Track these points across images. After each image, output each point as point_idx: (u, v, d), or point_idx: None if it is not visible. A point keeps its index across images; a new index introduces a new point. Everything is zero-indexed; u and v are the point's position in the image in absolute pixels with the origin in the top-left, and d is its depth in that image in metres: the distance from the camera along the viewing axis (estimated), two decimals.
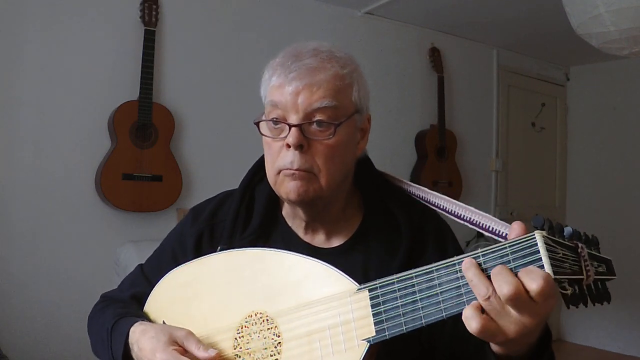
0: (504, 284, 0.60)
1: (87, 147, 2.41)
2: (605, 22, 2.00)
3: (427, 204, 0.94)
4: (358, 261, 0.79)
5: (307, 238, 0.95)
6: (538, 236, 0.62)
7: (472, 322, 0.62)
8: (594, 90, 4.35)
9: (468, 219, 0.85)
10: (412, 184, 0.98)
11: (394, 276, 0.71)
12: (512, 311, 0.61)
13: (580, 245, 0.65)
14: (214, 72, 2.76)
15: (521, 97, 4.21)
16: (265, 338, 0.78)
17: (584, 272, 0.63)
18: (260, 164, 0.98)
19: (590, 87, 4.38)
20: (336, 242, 0.94)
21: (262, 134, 0.89)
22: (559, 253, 0.62)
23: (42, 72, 2.34)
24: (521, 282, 0.60)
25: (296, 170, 0.84)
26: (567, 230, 0.65)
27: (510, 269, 0.62)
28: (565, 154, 4.51)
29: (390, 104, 3.41)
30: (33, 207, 2.32)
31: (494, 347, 0.68)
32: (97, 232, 2.44)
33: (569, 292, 0.62)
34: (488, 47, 3.95)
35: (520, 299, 0.60)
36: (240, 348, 0.80)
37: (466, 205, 0.87)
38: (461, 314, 0.64)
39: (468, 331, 0.64)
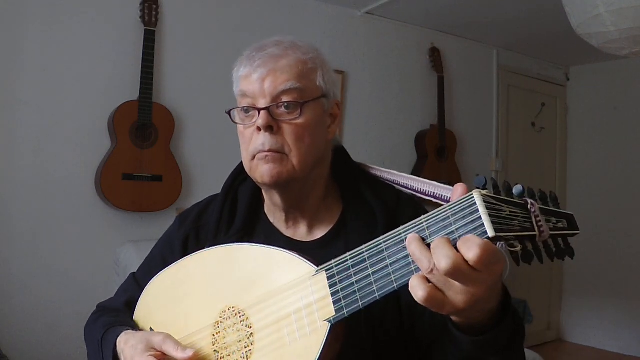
0: (442, 259, 0.59)
1: (87, 147, 2.41)
2: (605, 22, 2.00)
3: (401, 187, 0.96)
4: (340, 252, 0.81)
5: (289, 233, 0.97)
6: (476, 195, 0.61)
7: (418, 291, 0.61)
8: (594, 90, 4.35)
9: (432, 193, 0.87)
10: (384, 169, 1.00)
11: (348, 254, 0.72)
12: (456, 283, 0.60)
13: (529, 201, 0.63)
14: (214, 72, 2.75)
15: (521, 97, 4.22)
16: (239, 331, 0.80)
17: (536, 228, 0.62)
18: (242, 166, 0.99)
19: (590, 87, 4.38)
20: (318, 234, 0.96)
21: (235, 123, 0.93)
22: (504, 211, 0.61)
23: (42, 72, 2.35)
24: (460, 252, 0.59)
25: (268, 151, 0.87)
26: (517, 188, 0.64)
27: (452, 232, 0.61)
28: (565, 154, 4.51)
29: (390, 104, 3.41)
30: (33, 207, 2.32)
31: (454, 318, 0.69)
32: (97, 232, 2.44)
33: (517, 249, 0.61)
34: (488, 47, 3.95)
35: (460, 271, 0.59)
36: (218, 343, 0.82)
37: (432, 182, 0.89)
38: None
39: (442, 316, 0.64)
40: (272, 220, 0.99)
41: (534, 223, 0.62)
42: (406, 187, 0.95)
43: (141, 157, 2.40)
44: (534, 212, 0.62)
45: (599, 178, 4.27)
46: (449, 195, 0.84)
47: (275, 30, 2.91)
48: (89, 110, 2.43)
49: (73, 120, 2.40)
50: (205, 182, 2.68)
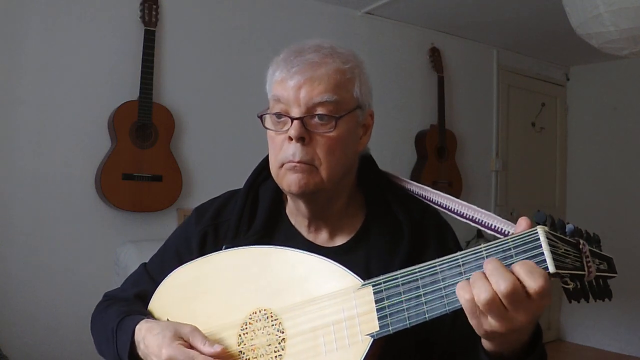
0: (501, 281, 0.61)
1: (87, 147, 2.41)
2: (605, 22, 2.00)
3: (429, 202, 0.95)
4: (360, 260, 0.80)
5: (310, 237, 0.96)
6: (540, 231, 0.63)
7: (464, 293, 0.64)
8: (594, 90, 4.34)
9: (471, 217, 0.86)
10: (414, 182, 0.99)
11: (398, 272, 0.72)
12: (508, 309, 0.62)
13: (582, 242, 0.65)
14: (214, 72, 2.76)
15: (521, 97, 4.21)
16: (269, 334, 0.79)
17: (586, 269, 0.64)
18: (264, 163, 0.98)
19: (590, 87, 4.38)
20: (339, 241, 0.95)
21: (266, 128, 0.90)
22: (560, 249, 0.63)
23: (42, 72, 2.34)
24: (520, 280, 0.61)
25: (297, 162, 0.85)
26: (569, 227, 0.66)
27: (512, 263, 0.63)
28: (565, 154, 4.51)
29: (390, 104, 3.40)
30: (33, 207, 2.31)
31: (486, 344, 0.70)
32: (97, 232, 2.44)
33: (570, 287, 0.63)
34: (488, 47, 3.95)
35: (517, 295, 0.61)
36: (245, 344, 0.80)
37: (468, 204, 0.87)
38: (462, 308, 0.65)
39: (464, 329, 0.66)
40: (293, 223, 0.98)
41: (584, 263, 0.64)
42: (437, 204, 0.94)
43: (141, 157, 2.40)
44: (585, 252, 0.65)
45: (598, 178, 4.27)
46: (479, 217, 0.84)
47: (274, 30, 2.92)
48: (89, 110, 2.43)
49: (73, 121, 2.40)
50: (205, 182, 2.68)
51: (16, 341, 2.20)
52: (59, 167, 2.37)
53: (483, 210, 0.84)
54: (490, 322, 0.63)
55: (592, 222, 3.93)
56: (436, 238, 0.93)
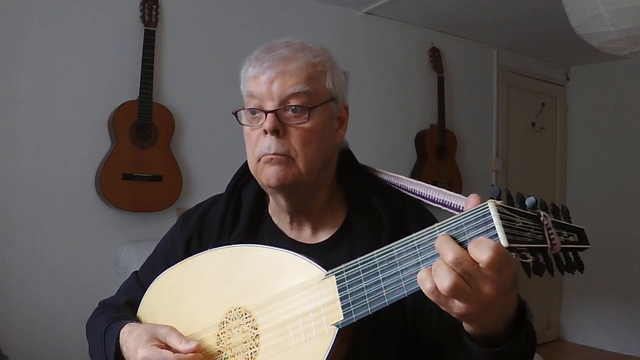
0: (447, 252, 0.60)
1: (87, 147, 2.41)
2: (605, 22, 2.01)
3: (406, 192, 0.96)
4: (344, 255, 0.80)
5: (293, 235, 0.96)
6: (491, 205, 0.61)
7: (426, 283, 0.62)
8: (594, 90, 4.35)
9: (441, 201, 0.87)
10: (391, 174, 0.99)
11: (359, 259, 0.72)
12: (470, 285, 0.61)
13: (542, 214, 0.63)
14: (214, 72, 2.76)
15: (521, 97, 4.22)
16: (244, 332, 0.80)
17: (548, 241, 0.62)
18: (246, 166, 0.99)
19: (590, 87, 4.38)
20: (322, 237, 0.95)
21: (242, 124, 0.92)
22: (518, 222, 0.61)
23: (42, 72, 2.34)
24: (471, 254, 0.60)
25: (273, 154, 0.86)
26: (530, 200, 0.64)
27: (465, 240, 0.62)
28: (565, 154, 4.51)
29: (390, 104, 3.41)
30: (33, 207, 2.32)
31: (467, 327, 0.69)
32: (97, 232, 2.44)
33: (529, 260, 0.61)
34: (488, 47, 3.95)
35: (466, 264, 0.59)
36: (223, 344, 0.82)
37: (439, 189, 0.88)
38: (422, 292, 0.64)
39: (451, 318, 0.65)
40: (276, 222, 0.98)
41: (546, 235, 0.63)
42: (414, 193, 0.94)
43: (141, 157, 2.40)
44: (547, 224, 0.63)
45: (598, 178, 4.27)
46: (457, 203, 0.84)
47: (274, 30, 2.91)
48: (89, 110, 2.43)
49: (73, 120, 2.40)
50: (205, 182, 2.68)
51: (16, 341, 2.20)
52: (59, 167, 2.37)
53: (453, 194, 0.85)
54: (459, 305, 0.62)
55: (592, 222, 3.93)
56: (419, 229, 0.93)
